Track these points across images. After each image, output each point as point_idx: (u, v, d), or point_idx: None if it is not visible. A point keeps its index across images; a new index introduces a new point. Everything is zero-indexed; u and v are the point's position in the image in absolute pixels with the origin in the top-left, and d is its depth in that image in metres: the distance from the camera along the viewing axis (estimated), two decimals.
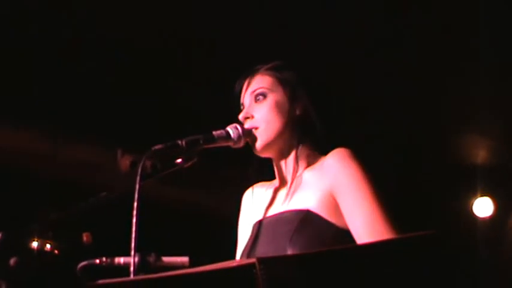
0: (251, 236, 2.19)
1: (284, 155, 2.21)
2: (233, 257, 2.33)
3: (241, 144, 2.17)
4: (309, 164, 2.18)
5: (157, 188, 2.10)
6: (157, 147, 2.00)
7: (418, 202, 5.63)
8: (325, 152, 2.13)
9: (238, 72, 2.32)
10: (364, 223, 1.98)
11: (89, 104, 4.51)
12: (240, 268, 1.38)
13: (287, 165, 2.21)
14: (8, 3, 3.83)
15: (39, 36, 4.06)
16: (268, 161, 2.28)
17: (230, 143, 2.15)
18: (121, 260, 1.99)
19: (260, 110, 2.19)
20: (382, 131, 5.04)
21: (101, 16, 4.00)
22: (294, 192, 2.15)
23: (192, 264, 2.23)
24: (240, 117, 2.20)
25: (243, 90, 2.25)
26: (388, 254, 1.54)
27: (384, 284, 1.51)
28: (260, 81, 2.22)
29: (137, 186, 1.90)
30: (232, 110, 2.28)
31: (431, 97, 4.85)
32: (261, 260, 1.35)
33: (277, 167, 2.24)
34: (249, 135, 2.17)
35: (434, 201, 5.58)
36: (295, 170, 2.17)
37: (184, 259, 2.06)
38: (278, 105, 2.18)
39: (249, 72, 2.27)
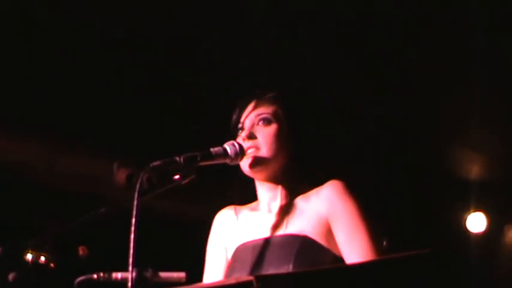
0: (241, 258, 2.21)
1: (276, 180, 2.26)
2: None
3: (238, 161, 2.20)
4: (301, 192, 2.24)
5: (153, 202, 2.12)
6: (155, 163, 2.02)
7: (412, 217, 5.65)
8: (316, 181, 2.22)
9: (238, 81, 2.35)
10: (359, 256, 2.09)
11: (86, 113, 4.53)
12: (238, 285, 1.40)
13: (278, 191, 2.26)
14: (7, 5, 3.84)
15: (38, 44, 4.07)
16: (251, 182, 2.31)
17: (227, 160, 2.18)
18: (118, 275, 2.00)
19: (263, 133, 2.24)
20: (374, 145, 5.07)
21: (100, 21, 4.01)
22: (288, 217, 2.20)
23: (188, 279, 2.25)
24: (243, 135, 2.24)
25: (246, 111, 2.29)
26: (383, 273, 1.56)
27: None
28: (266, 108, 2.28)
29: (135, 202, 1.91)
30: (228, 123, 2.32)
31: (425, 112, 4.87)
32: (258, 278, 1.37)
33: (265, 191, 2.28)
34: (246, 154, 2.20)
35: (428, 216, 5.59)
36: (289, 196, 2.24)
37: (181, 274, 2.07)
38: (281, 134, 2.25)
39: (254, 95, 2.32)
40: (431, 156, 5.30)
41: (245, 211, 2.32)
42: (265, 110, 2.27)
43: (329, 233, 2.14)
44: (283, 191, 2.25)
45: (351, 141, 4.88)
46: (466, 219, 5.84)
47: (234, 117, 2.30)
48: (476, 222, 5.84)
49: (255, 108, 2.28)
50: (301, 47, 4.21)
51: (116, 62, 4.24)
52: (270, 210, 2.26)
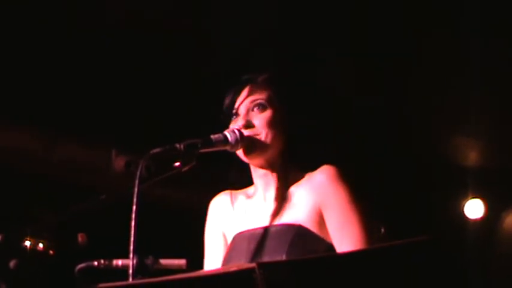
0: (238, 247, 2.21)
1: (272, 166, 2.25)
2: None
3: (238, 148, 2.20)
4: (296, 179, 2.24)
5: (153, 190, 2.11)
6: (155, 150, 2.01)
7: (410, 204, 5.66)
8: (310, 168, 2.21)
9: (234, 67, 2.34)
10: (350, 246, 2.09)
11: (84, 103, 4.52)
12: (240, 272, 1.40)
13: (274, 177, 2.26)
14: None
15: (35, 35, 4.05)
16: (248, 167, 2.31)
17: (227, 147, 2.18)
18: (119, 262, 2.01)
19: (260, 119, 2.23)
20: (373, 132, 5.06)
21: (100, 16, 3.99)
22: (282, 206, 2.21)
23: (189, 266, 2.25)
24: (240, 124, 2.22)
25: (241, 97, 2.28)
26: (384, 260, 1.56)
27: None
28: (260, 93, 2.27)
29: (136, 190, 1.91)
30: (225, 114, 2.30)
31: (423, 99, 4.87)
32: (261, 265, 1.37)
33: (260, 177, 2.27)
34: (246, 141, 2.19)
35: (426, 203, 5.60)
36: (283, 184, 2.23)
37: (182, 261, 2.08)
38: (276, 119, 2.24)
39: (246, 81, 2.30)
40: (430, 143, 5.30)
41: (241, 197, 2.32)
42: (259, 96, 2.25)
43: (322, 220, 2.14)
44: (278, 178, 2.25)
45: (348, 129, 4.88)
46: (464, 205, 5.87)
47: (227, 102, 2.27)
48: (474, 208, 5.86)
49: (249, 94, 2.26)
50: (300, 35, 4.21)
51: (114, 52, 4.23)
52: (265, 199, 2.26)
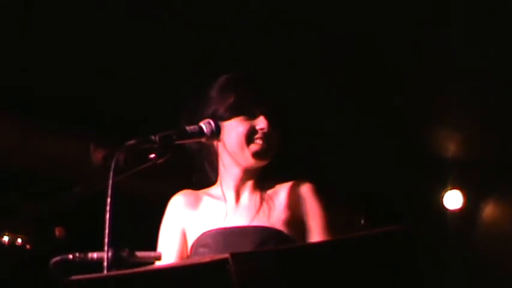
0: (210, 244, 2.22)
1: (256, 171, 2.30)
2: None
3: (214, 139, 2.19)
4: (271, 186, 2.31)
5: (130, 182, 2.11)
6: (130, 142, 2.01)
7: (389, 195, 5.69)
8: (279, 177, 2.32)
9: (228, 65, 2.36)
10: None
11: (63, 95, 4.49)
12: (213, 263, 1.40)
13: (250, 181, 2.30)
14: None
15: (17, 23, 4.02)
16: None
17: (203, 139, 2.18)
18: (94, 255, 1.99)
19: (275, 135, 2.28)
20: (352, 124, 5.08)
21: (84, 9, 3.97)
22: (260, 210, 2.26)
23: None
24: (262, 126, 2.24)
25: (266, 102, 2.28)
26: (360, 248, 1.57)
27: (355, 278, 1.54)
28: (278, 112, 2.31)
29: (110, 182, 1.90)
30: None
31: (402, 91, 4.89)
32: (234, 255, 1.37)
33: (238, 179, 2.29)
34: (266, 144, 2.25)
35: (405, 194, 5.63)
36: (260, 189, 2.29)
37: (158, 254, 2.07)
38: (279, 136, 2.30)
39: (269, 86, 2.33)
40: (409, 134, 5.32)
41: (206, 197, 2.33)
42: (278, 117, 2.30)
43: (297, 227, 2.25)
44: (255, 182, 2.29)
45: (328, 122, 4.90)
46: (443, 196, 5.91)
47: (248, 98, 2.27)
48: (453, 199, 5.90)
49: (272, 107, 2.28)
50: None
51: (95, 44, 4.21)
52: (237, 200, 2.29)
